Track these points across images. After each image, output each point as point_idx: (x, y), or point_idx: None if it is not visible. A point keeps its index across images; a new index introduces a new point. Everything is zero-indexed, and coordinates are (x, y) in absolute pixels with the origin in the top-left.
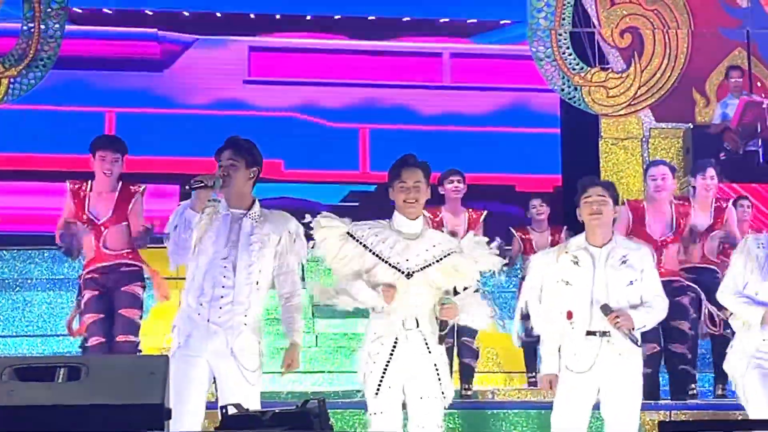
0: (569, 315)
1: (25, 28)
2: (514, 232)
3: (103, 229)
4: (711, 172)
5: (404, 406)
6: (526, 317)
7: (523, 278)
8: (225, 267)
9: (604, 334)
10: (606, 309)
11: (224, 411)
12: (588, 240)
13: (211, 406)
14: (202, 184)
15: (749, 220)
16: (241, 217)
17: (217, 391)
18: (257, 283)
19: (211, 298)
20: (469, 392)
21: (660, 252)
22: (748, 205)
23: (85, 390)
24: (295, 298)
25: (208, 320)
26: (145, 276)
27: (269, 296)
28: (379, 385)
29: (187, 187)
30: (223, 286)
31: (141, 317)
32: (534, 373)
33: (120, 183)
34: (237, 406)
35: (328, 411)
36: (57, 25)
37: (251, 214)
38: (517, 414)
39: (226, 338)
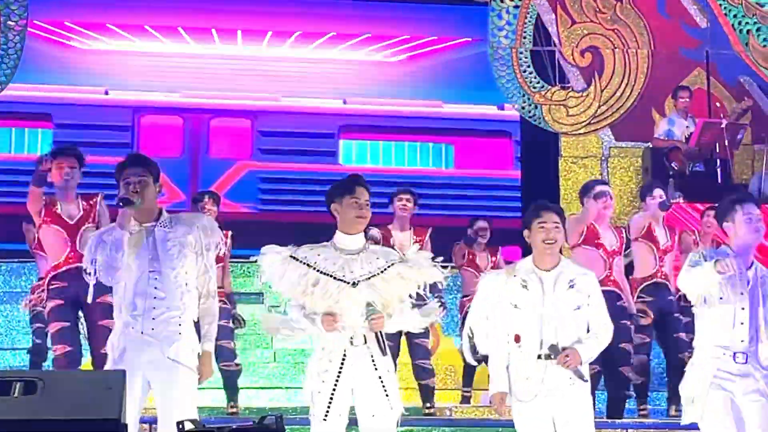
0: (517, 338)
1: None
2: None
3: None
4: (658, 191)
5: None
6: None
7: (464, 296)
8: (156, 279)
9: (549, 357)
10: (554, 350)
11: (181, 426)
12: (536, 264)
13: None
14: (131, 202)
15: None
16: (152, 229)
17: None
18: (186, 284)
19: (144, 311)
20: (432, 410)
21: (611, 263)
22: (688, 95)
23: (41, 404)
24: (210, 300)
25: (142, 332)
26: None
27: None
28: (328, 407)
29: (120, 204)
30: (155, 297)
31: None
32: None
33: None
34: (193, 421)
35: (286, 427)
36: (17, 38)
37: (160, 222)
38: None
39: (161, 348)
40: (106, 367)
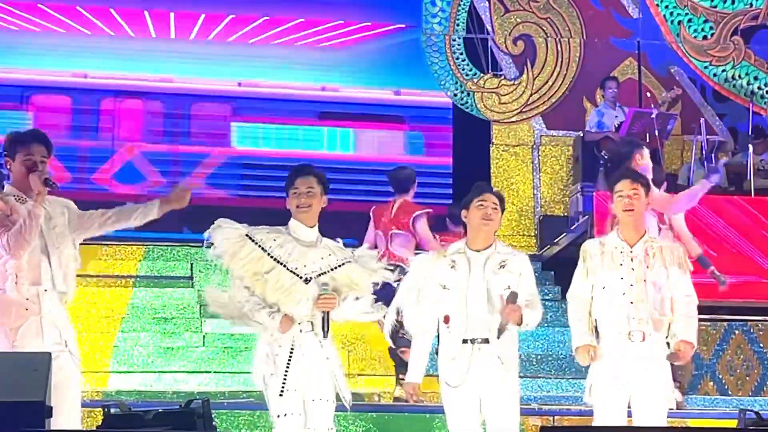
0: (446, 319)
1: None
2: None
3: None
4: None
5: None
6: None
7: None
8: (43, 255)
9: (475, 341)
10: (513, 296)
11: (106, 410)
12: (468, 244)
13: None
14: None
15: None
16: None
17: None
18: (68, 266)
19: (39, 292)
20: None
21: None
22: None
23: None
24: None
25: (41, 314)
26: None
27: (156, 296)
28: (283, 385)
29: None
30: (48, 277)
31: None
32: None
33: None
34: (120, 404)
35: (214, 412)
36: None
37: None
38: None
39: (59, 331)
40: (2, 349)
